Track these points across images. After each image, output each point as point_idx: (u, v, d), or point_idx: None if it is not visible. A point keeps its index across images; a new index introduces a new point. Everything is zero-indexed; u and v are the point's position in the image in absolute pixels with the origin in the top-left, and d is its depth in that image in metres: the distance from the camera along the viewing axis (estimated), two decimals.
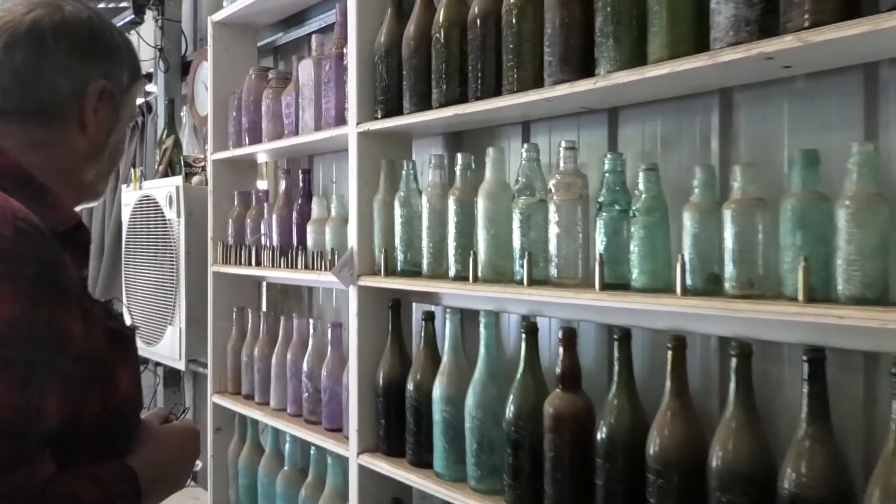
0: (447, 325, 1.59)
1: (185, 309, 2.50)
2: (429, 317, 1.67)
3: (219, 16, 2.36)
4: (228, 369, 2.38)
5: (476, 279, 1.47)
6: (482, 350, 1.50)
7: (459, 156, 1.55)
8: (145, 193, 2.69)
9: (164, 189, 2.56)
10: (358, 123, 1.74)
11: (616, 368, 1.28)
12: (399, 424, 1.70)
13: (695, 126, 1.38)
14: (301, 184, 2.12)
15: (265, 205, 2.23)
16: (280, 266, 2.08)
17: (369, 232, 1.75)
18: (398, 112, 1.65)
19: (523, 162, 1.43)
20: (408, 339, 1.79)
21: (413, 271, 1.66)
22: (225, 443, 2.42)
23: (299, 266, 2.00)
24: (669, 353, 1.19)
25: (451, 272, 1.54)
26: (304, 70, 1.98)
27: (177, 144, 2.71)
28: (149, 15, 2.93)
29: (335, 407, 1.93)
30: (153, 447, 0.98)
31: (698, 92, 1.34)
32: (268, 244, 2.17)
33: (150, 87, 3.09)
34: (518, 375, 1.42)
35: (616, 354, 1.28)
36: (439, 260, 1.59)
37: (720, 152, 1.34)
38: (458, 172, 1.55)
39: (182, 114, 2.88)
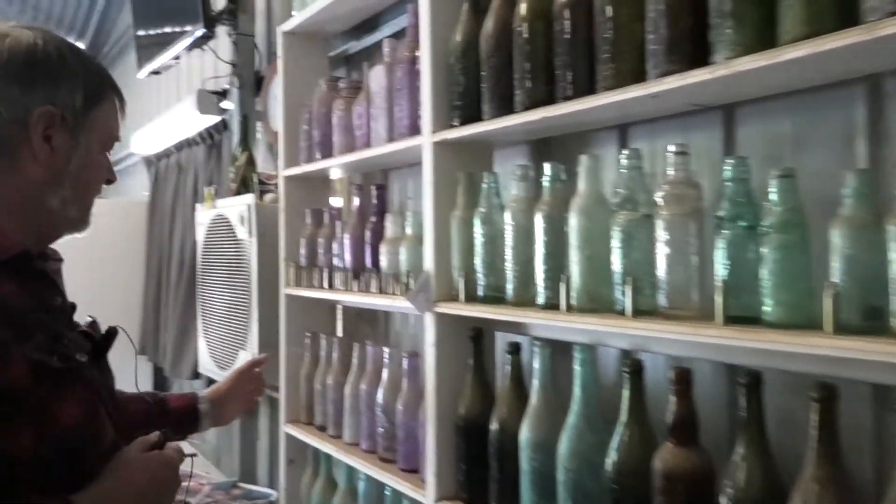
0: (535, 359, 1.38)
1: (258, 333, 2.38)
2: (514, 349, 1.48)
3: (288, 25, 2.24)
4: (302, 398, 2.24)
5: (569, 308, 1.26)
6: (577, 390, 1.30)
7: (547, 166, 1.35)
8: (219, 212, 2.60)
9: (237, 207, 2.46)
10: (433, 132, 1.56)
11: (744, 419, 1.05)
12: (481, 470, 1.50)
13: (834, 122, 1.13)
14: (375, 200, 1.96)
15: (337, 223, 2.09)
16: (353, 290, 1.92)
17: (447, 253, 1.57)
18: (477, 118, 1.47)
19: (622, 171, 1.22)
20: (490, 371, 1.60)
21: (495, 297, 1.47)
22: (298, 475, 2.28)
23: (372, 290, 1.84)
24: (816, 405, 0.95)
25: (540, 299, 1.34)
26: (376, 77, 1.83)
27: (250, 161, 2.61)
28: (221, 30, 2.86)
29: (412, 445, 1.75)
30: (114, 477, 0.98)
31: (839, 80, 1.10)
32: (341, 265, 2.02)
33: (225, 104, 3.02)
34: (621, 422, 1.20)
35: (743, 402, 1.05)
36: (525, 284, 1.40)
37: (869, 153, 1.09)
38: (545, 185, 1.35)
39: (257, 131, 2.79)
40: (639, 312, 1.15)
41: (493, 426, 1.46)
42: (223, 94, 3.00)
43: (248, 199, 2.41)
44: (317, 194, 2.31)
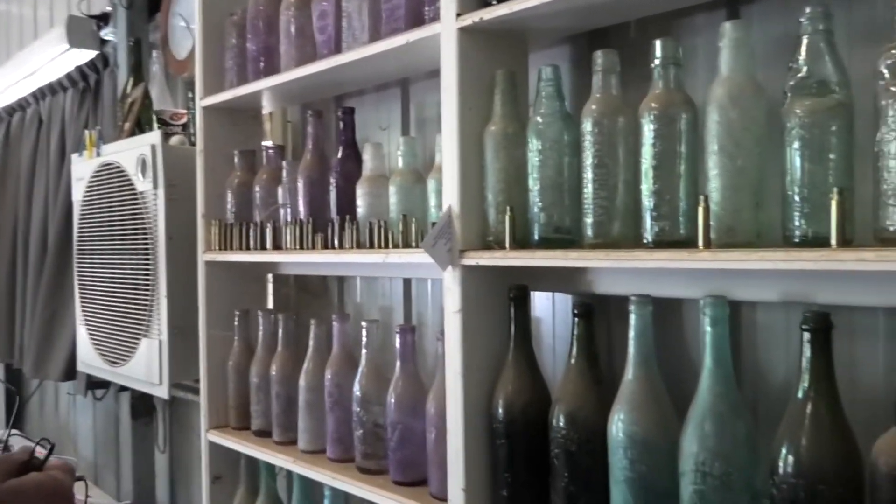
0: (632, 320, 0.98)
1: (168, 313, 1.83)
2: (585, 310, 1.06)
3: None
4: (230, 396, 1.73)
5: (708, 243, 0.87)
6: (709, 362, 0.90)
7: (657, 44, 0.94)
8: (106, 161, 2.01)
9: (133, 152, 1.89)
10: (459, 15, 1.12)
11: None
12: (536, 481, 1.09)
13: None
14: (343, 129, 1.48)
15: (283, 164, 1.59)
16: (315, 247, 1.44)
17: (477, 184, 1.14)
18: None
19: (805, 36, 0.83)
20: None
21: (561, 240, 1.05)
22: (227, 497, 1.76)
23: (347, 245, 1.37)
24: None
25: (649, 235, 0.94)
26: None
27: (147, 96, 2.04)
28: None
29: (412, 450, 1.31)
30: None
31: None
32: (290, 219, 1.53)
33: (106, 34, 2.41)
34: (803, 405, 0.82)
35: None
36: (614, 217, 0.99)
37: None
38: (657, 72, 0.95)
39: (152, 64, 2.21)
40: (846, 242, 0.77)
41: (558, 420, 1.04)
42: (103, 20, 2.39)
43: (152, 138, 1.85)
44: (245, 133, 1.80)
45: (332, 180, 1.46)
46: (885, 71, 0.76)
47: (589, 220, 1.00)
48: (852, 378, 0.92)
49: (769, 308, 1.02)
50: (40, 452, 0.97)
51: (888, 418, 0.78)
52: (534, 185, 1.07)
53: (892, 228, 0.75)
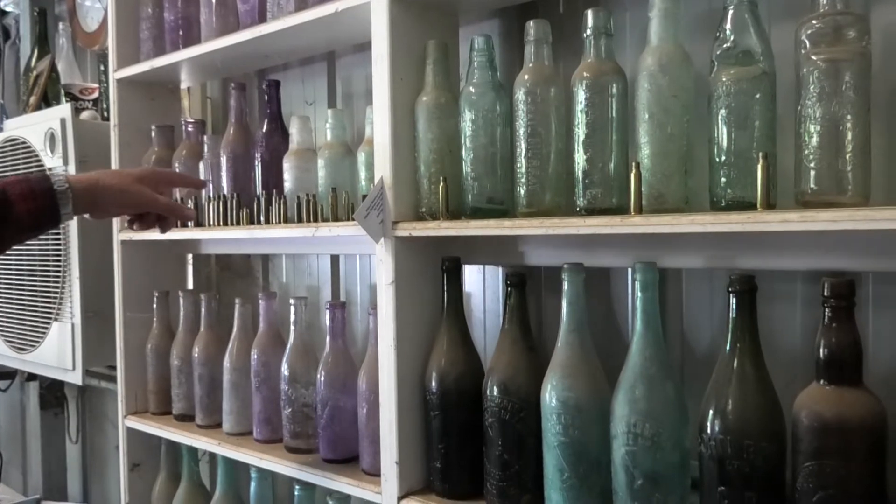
0: (565, 288, 0.99)
1: (81, 296, 1.75)
2: (518, 280, 1.07)
3: None
4: (149, 380, 1.66)
5: (639, 209, 0.88)
6: (639, 326, 0.92)
7: (589, 13, 0.96)
8: (9, 136, 1.90)
9: (41, 126, 1.79)
10: None
11: None
12: (469, 450, 1.10)
13: None
14: (268, 102, 1.44)
15: (205, 139, 1.54)
16: (241, 223, 1.40)
17: (409, 155, 1.13)
18: None
19: (731, 8, 0.86)
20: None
21: (494, 210, 1.06)
22: (147, 484, 1.70)
23: (275, 220, 1.34)
24: None
25: (582, 202, 0.95)
26: None
27: (53, 69, 1.93)
28: None
29: (342, 427, 1.29)
30: None
31: None
32: (212, 195, 1.48)
33: (6, 5, 2.27)
34: (729, 364, 0.85)
35: None
36: (546, 187, 1.00)
37: None
38: (588, 42, 0.96)
39: (58, 37, 2.09)
40: (770, 206, 0.80)
41: (492, 390, 1.05)
42: None
43: (61, 111, 1.75)
44: (163, 108, 1.73)
45: (257, 155, 1.42)
46: (805, 41, 0.79)
47: (522, 189, 1.01)
48: (772, 340, 0.96)
49: (694, 274, 1.06)
50: None
51: (806, 378, 0.82)
52: (466, 155, 1.07)
53: (812, 190, 0.79)
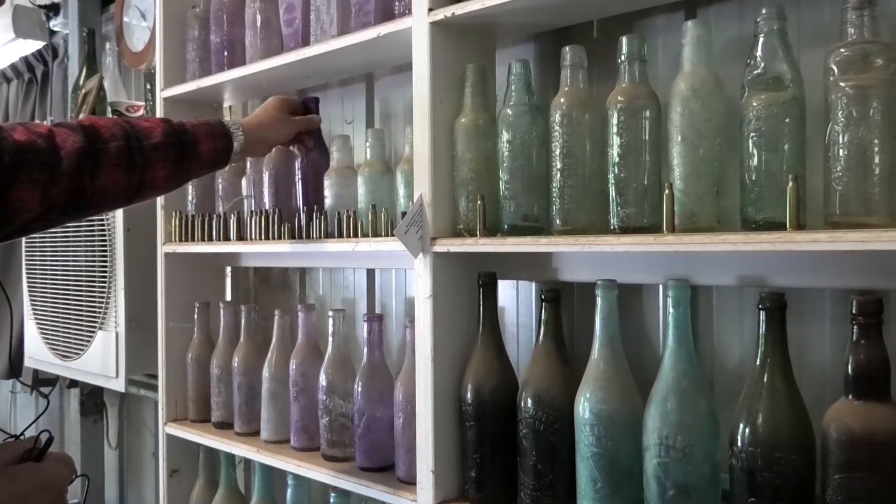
0: (599, 303, 1.03)
1: (125, 306, 1.81)
2: (553, 295, 1.11)
3: None
4: (190, 388, 1.72)
5: (672, 228, 0.92)
6: (671, 342, 0.96)
7: (623, 40, 1.00)
8: None
9: None
10: (431, 10, 1.15)
11: None
12: (504, 460, 1.13)
13: None
14: None
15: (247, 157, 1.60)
16: (282, 237, 1.45)
17: (448, 173, 1.17)
18: None
19: (761, 35, 0.89)
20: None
21: (530, 227, 1.10)
22: (184, 490, 1.75)
23: (316, 235, 1.39)
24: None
25: (615, 221, 0.99)
26: None
27: (101, 87, 2.01)
28: None
29: (378, 436, 1.33)
30: None
31: None
32: (254, 210, 1.54)
33: (55, 25, 2.36)
34: (759, 379, 0.88)
35: None
36: (581, 205, 1.04)
37: None
38: (623, 67, 1.00)
39: (105, 56, 2.17)
40: (800, 226, 0.83)
41: (526, 402, 1.08)
42: (52, 10, 2.34)
43: None
44: None
45: (299, 172, 1.47)
46: (834, 67, 0.82)
47: (557, 208, 1.05)
48: (801, 357, 0.99)
49: (725, 292, 1.09)
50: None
51: (834, 394, 0.84)
52: (504, 174, 1.11)
53: (840, 211, 0.82)
